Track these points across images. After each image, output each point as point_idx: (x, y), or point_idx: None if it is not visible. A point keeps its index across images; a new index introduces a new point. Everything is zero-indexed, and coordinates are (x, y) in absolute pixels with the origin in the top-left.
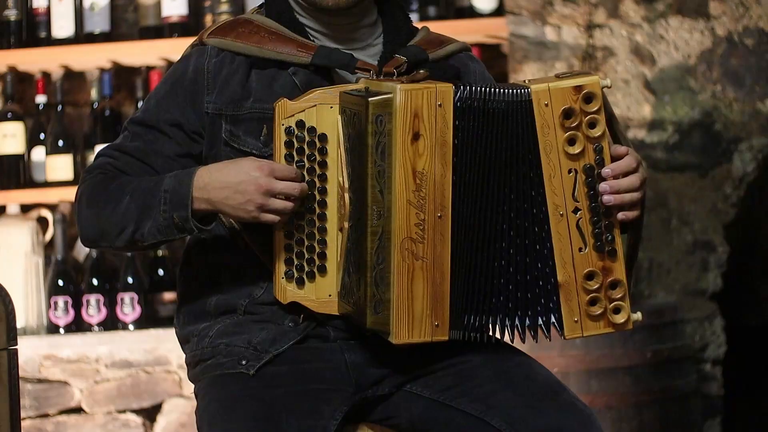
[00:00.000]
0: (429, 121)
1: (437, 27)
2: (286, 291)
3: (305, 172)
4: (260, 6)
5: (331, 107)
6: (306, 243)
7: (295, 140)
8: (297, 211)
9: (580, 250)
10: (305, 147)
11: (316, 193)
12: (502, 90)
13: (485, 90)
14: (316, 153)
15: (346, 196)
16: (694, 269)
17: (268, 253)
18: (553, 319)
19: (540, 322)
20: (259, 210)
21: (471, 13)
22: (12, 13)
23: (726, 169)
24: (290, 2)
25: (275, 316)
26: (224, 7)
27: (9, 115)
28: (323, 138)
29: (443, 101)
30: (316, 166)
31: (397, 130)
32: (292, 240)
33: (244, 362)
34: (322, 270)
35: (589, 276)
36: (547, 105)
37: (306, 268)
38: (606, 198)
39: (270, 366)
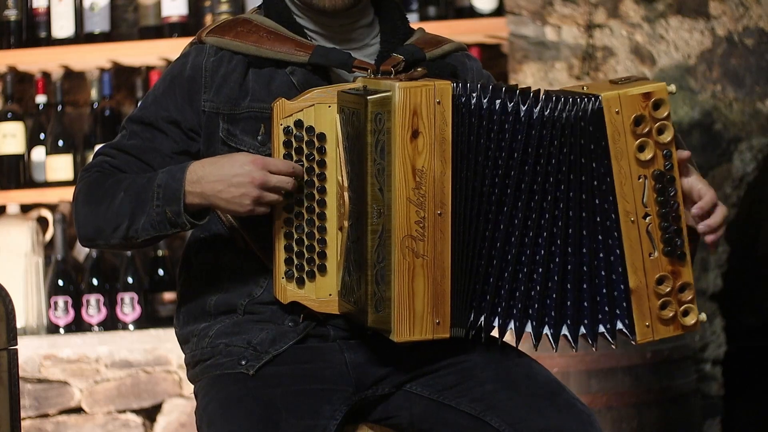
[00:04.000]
0: (428, 118)
1: (437, 27)
2: (287, 291)
3: (304, 172)
4: (259, 6)
5: (329, 106)
6: (306, 242)
7: (293, 140)
8: (297, 210)
9: (650, 255)
10: (304, 146)
11: (315, 192)
12: (569, 98)
13: (553, 97)
14: (315, 152)
15: (346, 194)
16: (694, 269)
17: (268, 253)
18: (620, 326)
19: (602, 329)
20: (255, 203)
21: (471, 13)
22: (12, 13)
23: (726, 169)
24: (288, 3)
25: (275, 316)
26: (224, 7)
27: (9, 115)
28: (322, 137)
29: (442, 98)
30: (315, 166)
31: (396, 127)
32: (292, 240)
33: (243, 362)
34: (322, 269)
35: (660, 280)
36: (618, 113)
37: (306, 268)
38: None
39: (270, 366)
